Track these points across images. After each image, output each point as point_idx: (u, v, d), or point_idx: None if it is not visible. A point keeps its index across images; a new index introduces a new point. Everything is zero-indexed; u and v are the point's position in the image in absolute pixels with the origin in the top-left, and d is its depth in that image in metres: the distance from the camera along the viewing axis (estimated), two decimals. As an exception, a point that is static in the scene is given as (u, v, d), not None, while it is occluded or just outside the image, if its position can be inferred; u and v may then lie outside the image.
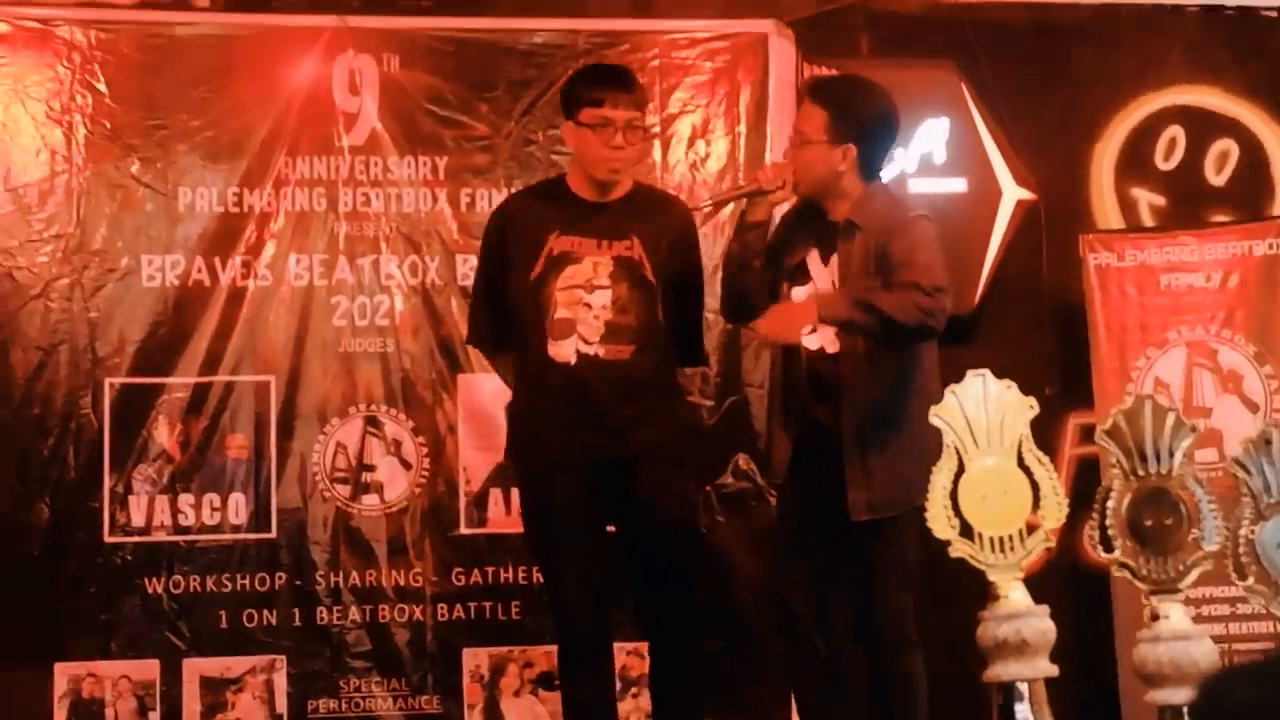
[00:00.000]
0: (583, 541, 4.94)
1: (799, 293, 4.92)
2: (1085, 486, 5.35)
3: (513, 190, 6.08)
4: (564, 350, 4.87)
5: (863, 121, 4.91)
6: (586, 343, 4.87)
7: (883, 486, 4.79)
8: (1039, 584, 5.49)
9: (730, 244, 5.09)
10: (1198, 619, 5.76)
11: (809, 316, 4.76)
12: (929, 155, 6.47)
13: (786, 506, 5.12)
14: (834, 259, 4.89)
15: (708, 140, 6.35)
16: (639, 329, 4.91)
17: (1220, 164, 6.78)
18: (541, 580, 5.94)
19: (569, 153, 6.14)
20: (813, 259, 4.93)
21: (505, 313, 5.05)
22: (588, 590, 4.97)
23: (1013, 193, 6.55)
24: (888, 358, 4.82)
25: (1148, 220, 6.72)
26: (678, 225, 5.10)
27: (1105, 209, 6.71)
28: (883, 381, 4.84)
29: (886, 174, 5.30)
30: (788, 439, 4.96)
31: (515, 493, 6.03)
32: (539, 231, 4.95)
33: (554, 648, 5.96)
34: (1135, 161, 6.75)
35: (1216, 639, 5.80)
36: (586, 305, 4.88)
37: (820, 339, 4.87)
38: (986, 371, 4.59)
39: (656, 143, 6.31)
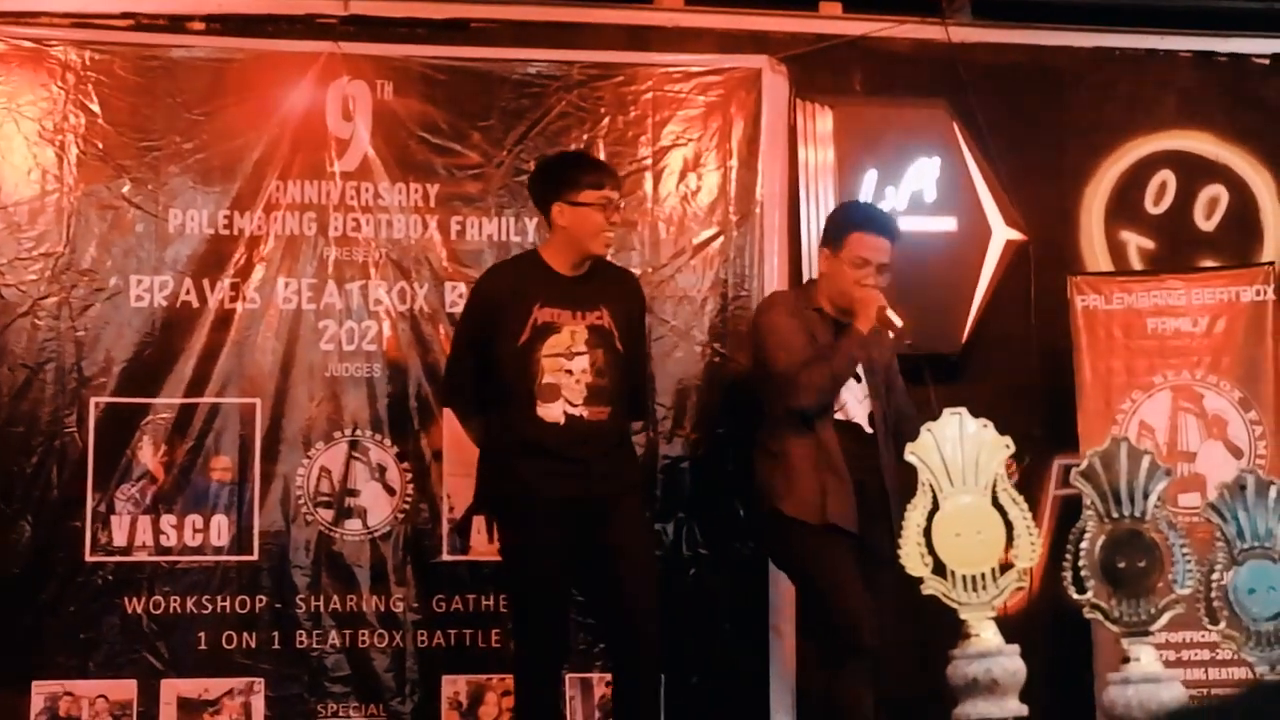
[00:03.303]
0: (560, 578, 5.38)
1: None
2: (1069, 527, 5.34)
3: (503, 218, 6.22)
4: (553, 412, 5.35)
5: None
6: (572, 405, 5.36)
7: None
8: (1020, 625, 5.50)
9: (853, 358, 5.51)
10: (1177, 664, 5.76)
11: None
12: (919, 193, 6.48)
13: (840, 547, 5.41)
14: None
15: (699, 174, 6.38)
16: (613, 391, 5.42)
17: (1210, 209, 6.80)
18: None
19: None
20: None
21: (484, 376, 5.43)
22: (558, 622, 5.44)
23: (1002, 233, 6.56)
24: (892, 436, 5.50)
25: (1136, 264, 6.74)
26: (634, 296, 5.64)
27: (1094, 251, 6.73)
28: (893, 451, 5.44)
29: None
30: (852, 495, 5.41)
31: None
32: (525, 301, 5.39)
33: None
34: (1125, 205, 6.77)
35: (1195, 684, 5.82)
36: (568, 372, 5.37)
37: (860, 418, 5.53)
38: (963, 410, 4.61)
39: (648, 175, 6.35)
